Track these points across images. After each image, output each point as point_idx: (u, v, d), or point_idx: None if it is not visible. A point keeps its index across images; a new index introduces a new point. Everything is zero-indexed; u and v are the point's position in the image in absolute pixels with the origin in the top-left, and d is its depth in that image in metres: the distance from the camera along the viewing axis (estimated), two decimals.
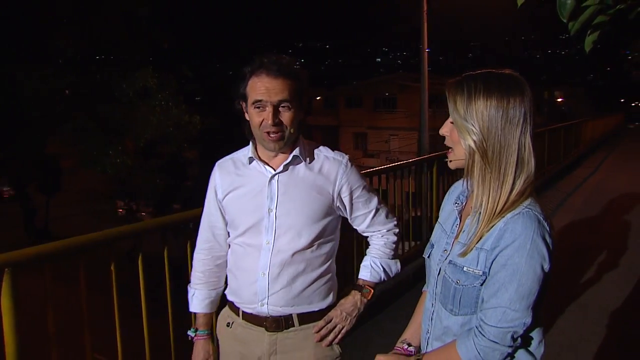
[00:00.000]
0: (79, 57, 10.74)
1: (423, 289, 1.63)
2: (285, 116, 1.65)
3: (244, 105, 1.72)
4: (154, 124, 10.80)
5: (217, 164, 1.86)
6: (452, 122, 1.35)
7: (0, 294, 1.92)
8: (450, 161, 1.39)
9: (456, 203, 1.48)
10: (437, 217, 1.58)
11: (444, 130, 1.38)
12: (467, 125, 1.30)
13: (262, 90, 1.62)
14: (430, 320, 1.46)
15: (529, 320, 1.26)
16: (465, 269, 1.33)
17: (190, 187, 22.04)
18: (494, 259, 1.28)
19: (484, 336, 1.28)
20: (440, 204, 1.61)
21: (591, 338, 3.78)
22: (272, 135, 1.66)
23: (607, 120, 25.61)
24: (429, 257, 1.52)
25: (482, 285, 1.30)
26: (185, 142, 12.63)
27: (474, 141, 1.30)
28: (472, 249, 1.32)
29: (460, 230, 1.41)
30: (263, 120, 1.65)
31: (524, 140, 1.30)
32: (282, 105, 1.64)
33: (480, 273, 1.30)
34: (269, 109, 1.63)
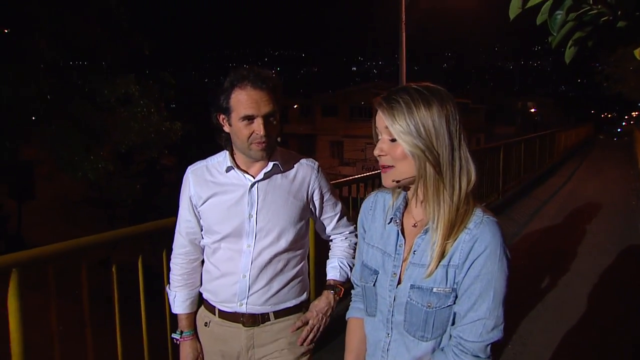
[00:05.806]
0: (60, 62, 10.63)
1: (348, 317, 1.54)
2: (272, 127, 1.69)
3: (222, 117, 1.72)
4: (135, 130, 10.76)
5: (190, 170, 1.84)
6: (390, 139, 1.25)
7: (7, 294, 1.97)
8: (394, 180, 1.28)
9: (391, 221, 1.35)
10: None
11: (381, 149, 1.27)
12: (413, 139, 1.21)
13: (251, 104, 1.63)
14: (386, 352, 1.35)
15: (504, 323, 1.24)
16: (434, 290, 1.24)
17: (167, 194, 21.88)
18: (466, 273, 1.22)
19: (466, 353, 1.22)
20: None
21: (567, 335, 3.95)
22: (260, 145, 1.68)
23: (578, 131, 26.29)
24: (374, 285, 1.37)
25: (454, 303, 1.24)
26: (165, 149, 12.59)
27: (424, 152, 1.22)
28: (436, 268, 1.23)
29: (410, 251, 1.30)
30: (253, 132, 1.66)
31: (463, 147, 1.26)
32: (270, 117, 1.67)
33: (450, 290, 1.23)
34: (259, 121, 1.65)
